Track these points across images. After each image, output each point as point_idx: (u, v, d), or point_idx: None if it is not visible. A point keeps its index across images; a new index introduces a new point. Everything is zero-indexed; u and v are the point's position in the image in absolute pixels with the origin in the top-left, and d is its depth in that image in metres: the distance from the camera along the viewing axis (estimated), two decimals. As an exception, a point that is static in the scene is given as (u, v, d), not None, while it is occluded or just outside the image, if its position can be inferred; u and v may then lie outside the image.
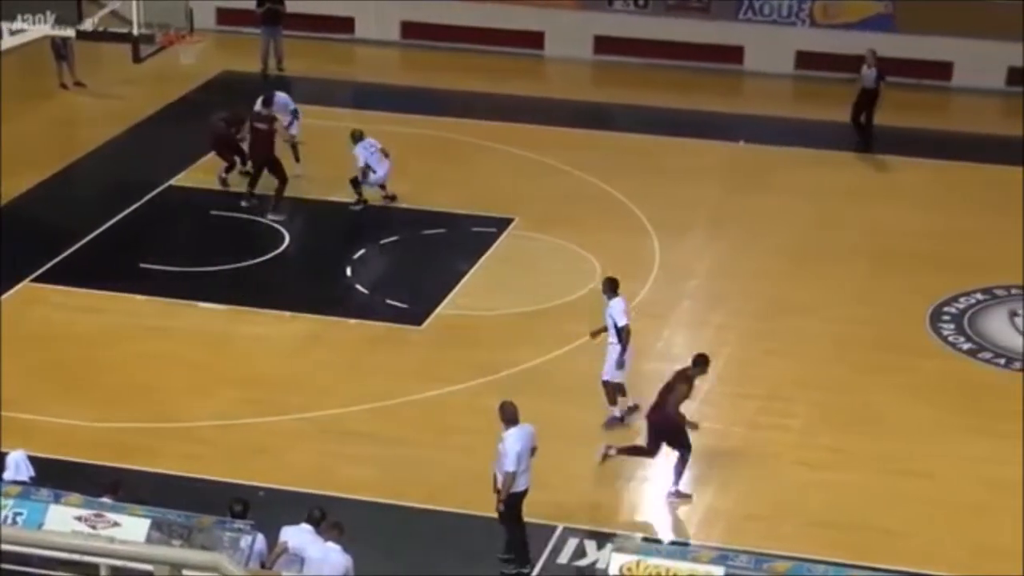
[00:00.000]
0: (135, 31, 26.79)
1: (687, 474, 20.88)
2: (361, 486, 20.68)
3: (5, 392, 22.29)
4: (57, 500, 16.08)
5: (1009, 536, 20.10)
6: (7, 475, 18.54)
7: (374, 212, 29.00)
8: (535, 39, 38.89)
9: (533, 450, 18.96)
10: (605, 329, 22.55)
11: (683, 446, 20.78)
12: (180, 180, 30.63)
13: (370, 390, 23.25)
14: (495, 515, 19.09)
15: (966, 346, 25.02)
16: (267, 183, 28.97)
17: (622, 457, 21.19)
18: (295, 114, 30.76)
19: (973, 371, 24.35)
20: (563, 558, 19.50)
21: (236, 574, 9.78)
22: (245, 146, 29.75)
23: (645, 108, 35.57)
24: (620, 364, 22.34)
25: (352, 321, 25.50)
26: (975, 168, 32.36)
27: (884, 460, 21.85)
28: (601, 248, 27.75)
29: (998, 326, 25.51)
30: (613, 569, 17.02)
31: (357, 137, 28.86)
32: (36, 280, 26.45)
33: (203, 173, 30.58)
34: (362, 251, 27.62)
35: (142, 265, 27.00)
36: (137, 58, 27.75)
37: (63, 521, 15.81)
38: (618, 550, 17.33)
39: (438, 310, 25.75)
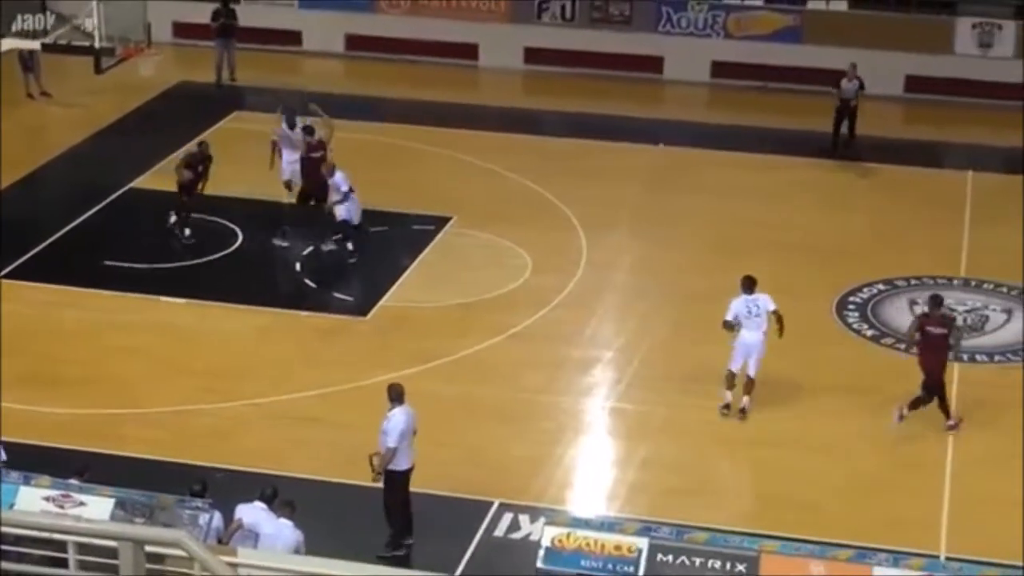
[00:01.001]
0: (97, 44, 26.65)
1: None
2: (312, 467, 20.64)
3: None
4: (27, 482, 15.98)
5: (913, 507, 20.26)
6: (-20, 460, 18.42)
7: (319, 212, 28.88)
8: (470, 51, 38.87)
9: (415, 432, 18.78)
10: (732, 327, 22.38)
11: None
12: (140, 183, 30.44)
13: (320, 377, 23.21)
14: (437, 492, 19.09)
15: (870, 332, 25.17)
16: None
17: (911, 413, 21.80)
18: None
19: (876, 355, 24.51)
20: (499, 532, 19.51)
21: (196, 549, 9.73)
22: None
23: (572, 114, 35.62)
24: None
25: (303, 313, 25.43)
26: (878, 169, 32.57)
27: (797, 438, 21.96)
28: (532, 244, 27.77)
29: (899, 314, 25.67)
30: (545, 541, 17.05)
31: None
32: (6, 277, 26.26)
33: (162, 176, 30.37)
34: (311, 248, 27.52)
35: (106, 263, 26.84)
36: (99, 69, 27.63)
37: (33, 502, 15.70)
38: (550, 524, 17.37)
39: (382, 302, 25.71)
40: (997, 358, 24.49)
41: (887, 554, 16.91)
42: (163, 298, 25.75)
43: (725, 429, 22.15)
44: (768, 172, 32.22)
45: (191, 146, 28.76)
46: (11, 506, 15.42)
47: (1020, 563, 17.75)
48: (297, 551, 16.76)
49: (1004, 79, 36.23)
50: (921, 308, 24.77)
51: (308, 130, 27.77)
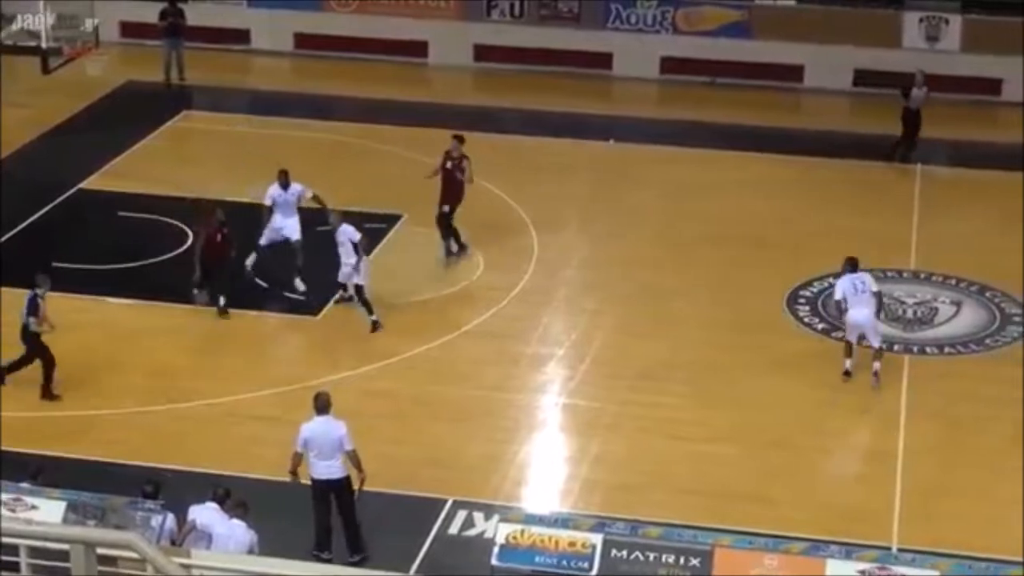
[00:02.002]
0: (43, 44, 26.51)
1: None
2: (265, 466, 20.56)
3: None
4: (-22, 487, 15.92)
5: (865, 499, 20.37)
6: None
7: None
8: (419, 48, 38.86)
9: (347, 450, 18.41)
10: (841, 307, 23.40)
11: None
12: (89, 184, 30.30)
13: (272, 377, 23.16)
14: (391, 491, 19.06)
15: (820, 326, 25.29)
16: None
17: None
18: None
19: (827, 349, 24.62)
20: (453, 529, 19.52)
21: (148, 551, 9.71)
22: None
23: (522, 111, 35.64)
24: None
25: (253, 313, 25.38)
26: (825, 163, 32.72)
27: (748, 432, 22.05)
28: (483, 241, 27.77)
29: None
30: (500, 538, 17.09)
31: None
32: (-46, 279, 26.10)
33: (111, 177, 30.28)
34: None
35: (55, 264, 26.67)
36: (46, 70, 27.49)
37: (-17, 506, 15.66)
38: (504, 521, 17.40)
39: (331, 303, 25.66)
40: (947, 350, 24.64)
41: (840, 546, 17.02)
42: (113, 299, 25.65)
43: (677, 424, 22.21)
44: (718, 168, 32.31)
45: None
46: (-38, 510, 15.36)
47: (972, 553, 17.89)
48: (251, 551, 16.74)
49: (951, 72, 36.44)
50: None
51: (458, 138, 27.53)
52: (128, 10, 38.16)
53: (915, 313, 25.70)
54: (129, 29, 38.80)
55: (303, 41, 39.07)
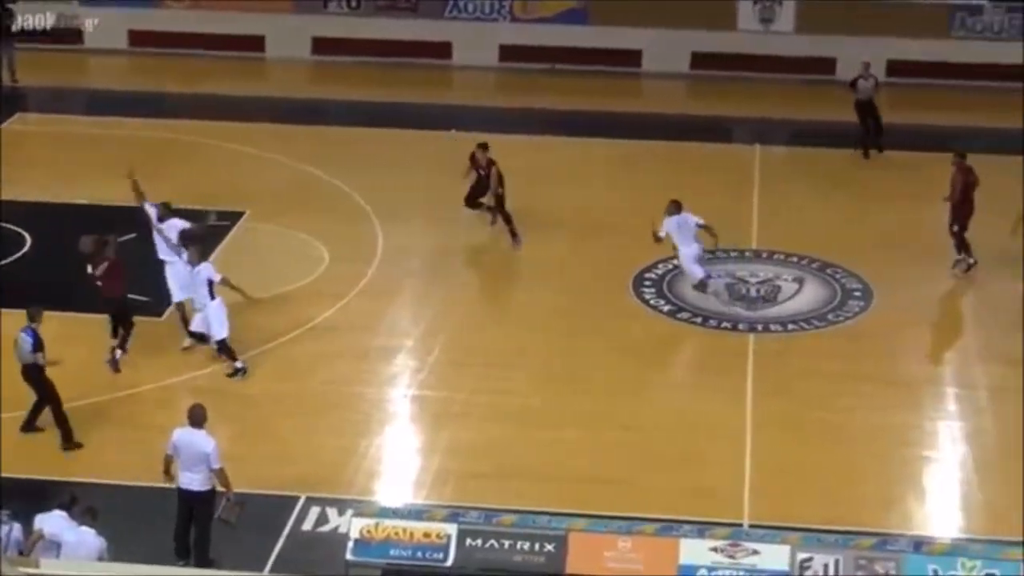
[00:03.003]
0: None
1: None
2: (115, 470, 20.30)
3: None
4: None
5: (715, 478, 20.56)
6: None
7: (110, 212, 28.42)
8: (256, 43, 38.58)
9: (213, 467, 18.12)
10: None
11: None
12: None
13: (119, 380, 22.84)
14: (242, 490, 18.89)
15: (666, 308, 25.51)
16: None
17: None
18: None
19: (674, 330, 24.86)
20: (307, 525, 19.38)
21: (-6, 563, 9.58)
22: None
23: (362, 103, 35.55)
24: None
25: (98, 316, 24.94)
26: (665, 145, 33.03)
27: (598, 416, 22.16)
28: (327, 235, 27.66)
29: (693, 289, 26.04)
30: (354, 533, 17.08)
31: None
32: None
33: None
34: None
35: None
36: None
37: None
38: (358, 515, 17.40)
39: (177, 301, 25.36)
40: (790, 327, 24.98)
41: (692, 525, 17.24)
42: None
43: (526, 411, 22.27)
44: (559, 154, 32.48)
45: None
46: None
47: (822, 527, 18.18)
48: (100, 558, 16.54)
49: (785, 53, 37.01)
50: (721, 281, 25.47)
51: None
52: (-47, 12, 37.50)
53: (758, 292, 26.02)
54: (-43, 31, 38.12)
55: (138, 38, 38.59)
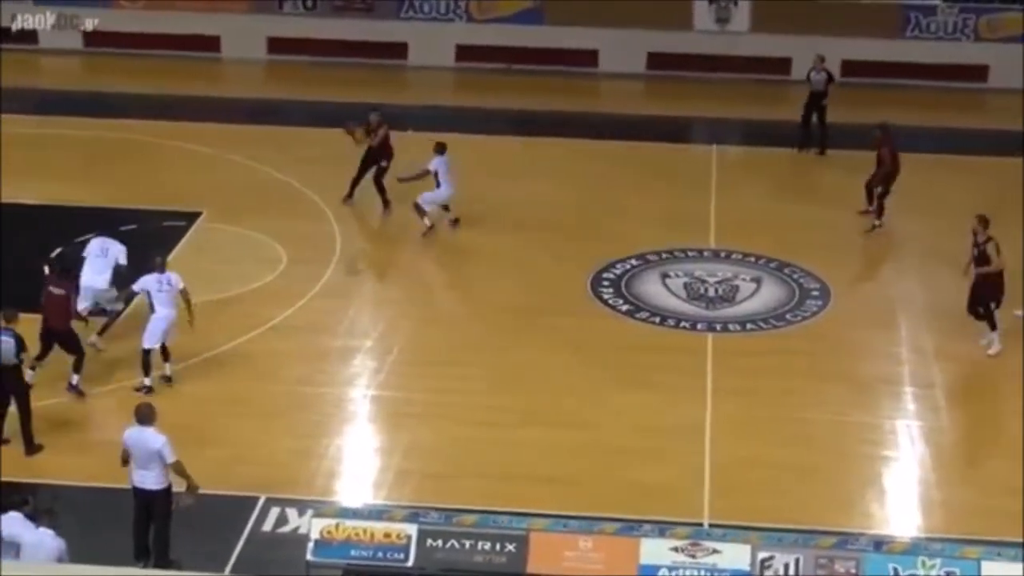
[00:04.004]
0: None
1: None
2: (72, 472, 20.19)
3: None
4: None
5: (676, 477, 20.58)
6: None
7: (62, 213, 28.29)
8: (212, 43, 38.47)
9: (166, 464, 18.00)
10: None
11: None
12: None
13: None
14: (202, 491, 18.79)
15: (624, 307, 25.54)
16: None
17: None
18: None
19: (632, 330, 24.89)
20: (267, 526, 19.31)
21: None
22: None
23: (318, 103, 35.50)
24: None
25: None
26: (622, 145, 33.08)
27: (558, 415, 22.16)
28: (285, 235, 27.59)
29: (652, 288, 26.11)
30: (314, 534, 17.06)
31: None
32: None
33: None
34: (59, 250, 26.90)
35: None
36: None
37: None
38: (318, 516, 17.38)
39: (135, 301, 25.23)
40: (749, 326, 25.05)
41: (653, 525, 17.28)
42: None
43: (486, 410, 22.26)
44: (516, 154, 32.52)
45: None
46: None
47: (782, 525, 18.24)
48: (60, 560, 16.43)
49: (741, 53, 37.15)
50: (679, 280, 25.49)
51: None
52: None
53: (717, 291, 26.08)
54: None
55: (93, 39, 38.36)
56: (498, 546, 16.84)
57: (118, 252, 24.18)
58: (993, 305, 23.75)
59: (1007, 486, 20.41)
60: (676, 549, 16.74)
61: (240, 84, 37.33)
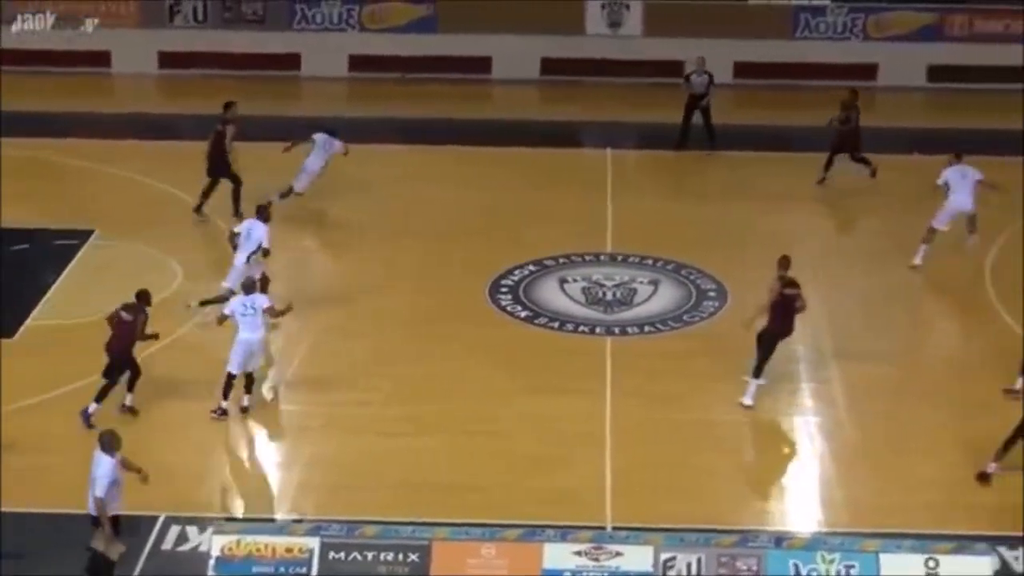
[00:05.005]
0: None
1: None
2: (23, 498, 19.90)
3: None
4: None
5: (577, 481, 20.67)
6: None
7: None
8: (102, 58, 38.11)
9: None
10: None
11: None
12: None
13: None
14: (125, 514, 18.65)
15: (523, 313, 25.59)
16: None
17: None
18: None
19: (531, 336, 24.93)
20: (167, 545, 19.19)
21: None
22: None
23: (209, 117, 35.01)
24: None
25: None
26: (518, 151, 33.13)
27: (458, 423, 22.17)
28: (180, 251, 27.42)
29: (550, 293, 26.19)
30: (215, 551, 16.96)
31: None
32: None
33: None
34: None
35: None
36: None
37: None
38: (218, 532, 17.27)
39: (28, 321, 25.00)
40: (647, 328, 25.17)
41: (555, 530, 17.32)
42: None
43: (386, 420, 22.24)
44: (412, 162, 32.46)
45: None
46: None
47: (683, 526, 18.33)
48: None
49: (634, 57, 37.31)
50: (577, 285, 25.59)
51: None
52: None
53: (615, 295, 26.20)
54: None
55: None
56: (401, 556, 16.83)
57: (261, 235, 24.80)
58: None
59: (905, 481, 20.68)
60: (579, 553, 16.80)
61: (132, 99, 36.98)
